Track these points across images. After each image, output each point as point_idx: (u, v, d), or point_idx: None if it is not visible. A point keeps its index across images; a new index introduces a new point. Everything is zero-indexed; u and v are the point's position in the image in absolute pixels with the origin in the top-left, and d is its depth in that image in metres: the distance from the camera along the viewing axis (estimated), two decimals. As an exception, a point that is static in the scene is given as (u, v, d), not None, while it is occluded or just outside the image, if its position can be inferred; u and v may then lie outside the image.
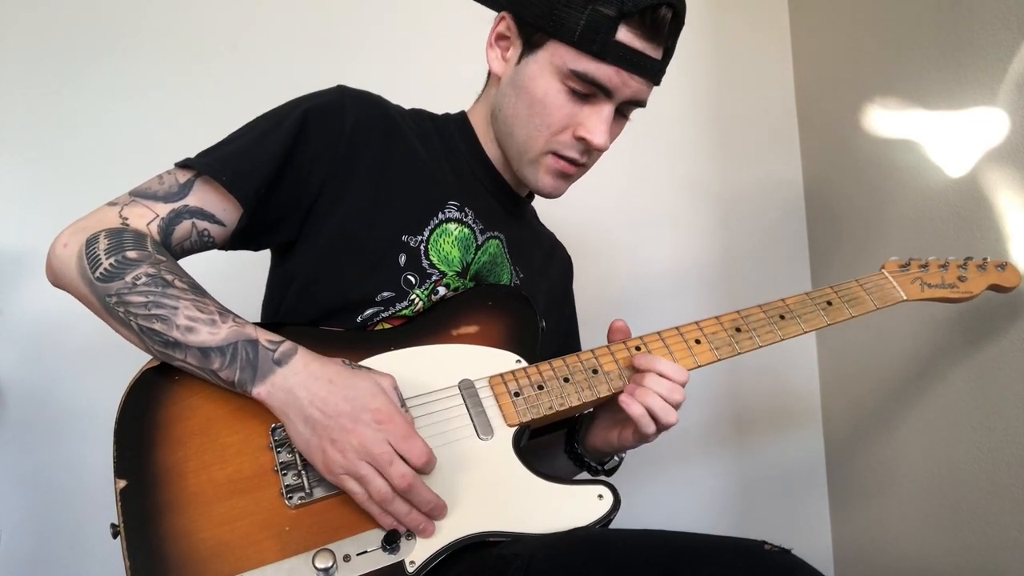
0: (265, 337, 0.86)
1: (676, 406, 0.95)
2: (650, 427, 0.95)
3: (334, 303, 1.00)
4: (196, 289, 0.89)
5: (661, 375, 0.95)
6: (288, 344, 0.86)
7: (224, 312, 0.87)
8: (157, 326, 0.84)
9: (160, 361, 0.89)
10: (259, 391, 0.84)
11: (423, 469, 0.82)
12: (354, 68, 1.75)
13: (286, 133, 0.97)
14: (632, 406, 0.94)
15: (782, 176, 1.95)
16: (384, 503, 0.81)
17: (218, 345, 0.84)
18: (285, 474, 0.84)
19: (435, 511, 0.84)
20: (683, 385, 0.96)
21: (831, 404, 1.86)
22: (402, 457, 0.81)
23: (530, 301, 1.06)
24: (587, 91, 0.98)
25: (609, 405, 1.02)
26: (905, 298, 1.13)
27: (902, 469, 1.57)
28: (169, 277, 0.87)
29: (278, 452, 0.85)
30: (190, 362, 0.85)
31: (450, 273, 1.03)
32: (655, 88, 1.03)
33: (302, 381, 0.83)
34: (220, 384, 0.86)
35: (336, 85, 1.05)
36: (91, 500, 1.55)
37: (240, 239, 1.00)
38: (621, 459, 1.13)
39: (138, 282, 0.85)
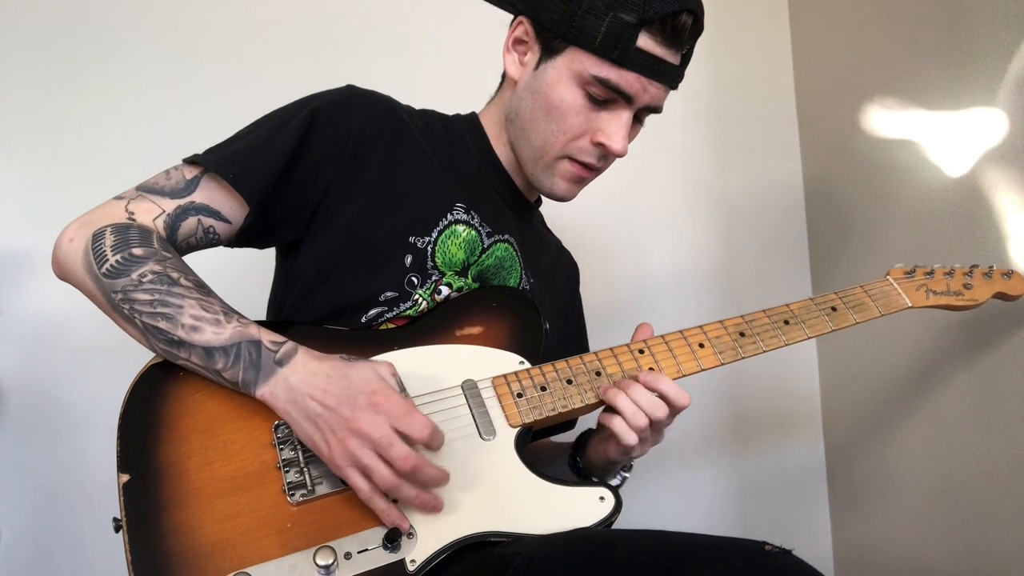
0: (268, 338, 0.86)
1: (657, 422, 0.95)
2: (630, 438, 0.94)
3: (338, 303, 1.00)
4: (201, 288, 0.89)
5: (660, 393, 0.95)
6: (289, 344, 0.86)
7: (229, 311, 0.87)
8: (162, 324, 0.85)
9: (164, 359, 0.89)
10: (263, 392, 0.84)
11: (429, 443, 0.81)
12: (357, 68, 1.75)
13: (294, 132, 0.97)
14: (612, 421, 0.94)
15: (782, 176, 1.95)
16: (392, 491, 0.80)
17: (222, 345, 0.84)
18: (287, 471, 0.84)
19: (442, 484, 0.84)
20: (680, 409, 0.96)
21: (832, 406, 1.86)
22: (404, 437, 0.80)
23: (534, 303, 1.06)
24: (607, 96, 0.98)
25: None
26: (911, 305, 1.14)
27: (902, 470, 1.57)
28: (175, 275, 0.87)
29: (281, 449, 0.86)
30: (194, 361, 0.85)
31: (449, 273, 1.03)
32: (672, 91, 1.04)
33: (302, 378, 0.83)
34: (223, 384, 0.86)
35: (345, 85, 1.05)
36: (91, 500, 1.55)
37: (245, 237, 1.00)
38: (624, 479, 1.13)
39: (144, 279, 0.85)
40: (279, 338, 0.87)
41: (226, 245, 1.01)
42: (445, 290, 1.03)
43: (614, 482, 1.11)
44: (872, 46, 1.65)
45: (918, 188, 1.51)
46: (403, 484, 0.81)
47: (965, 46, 1.37)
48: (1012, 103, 1.28)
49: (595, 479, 1.10)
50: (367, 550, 0.81)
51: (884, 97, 1.61)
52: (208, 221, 0.96)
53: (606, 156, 1.04)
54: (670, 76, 0.99)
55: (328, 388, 0.82)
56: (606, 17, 0.94)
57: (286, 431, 0.86)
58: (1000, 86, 1.30)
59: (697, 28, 0.99)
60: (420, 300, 1.01)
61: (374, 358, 0.93)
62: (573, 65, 0.98)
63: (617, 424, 0.94)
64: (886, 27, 1.60)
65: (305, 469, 0.84)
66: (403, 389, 0.87)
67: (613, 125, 1.00)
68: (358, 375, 0.83)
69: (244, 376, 0.84)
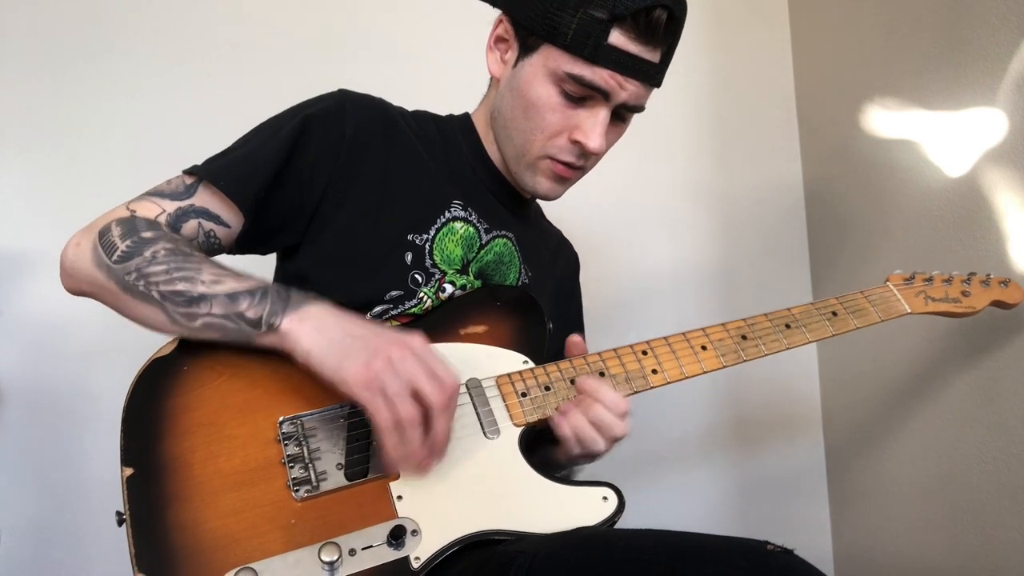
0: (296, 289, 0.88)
1: (614, 440, 0.95)
2: (575, 448, 0.94)
3: (339, 303, 1.00)
4: (215, 262, 0.90)
5: (605, 407, 0.94)
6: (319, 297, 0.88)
7: (248, 275, 0.89)
8: (180, 286, 0.85)
9: (172, 350, 0.89)
10: (289, 320, 0.84)
11: (450, 400, 0.82)
12: (356, 69, 1.75)
13: (285, 139, 0.98)
14: (562, 427, 0.94)
15: (782, 176, 1.95)
16: (408, 426, 0.80)
17: (248, 289, 0.85)
18: (292, 467, 0.84)
19: (438, 450, 0.85)
20: (621, 417, 0.94)
21: (832, 407, 1.86)
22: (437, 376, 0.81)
23: (538, 303, 1.06)
24: (582, 94, 0.98)
25: None
26: (910, 311, 1.15)
27: (902, 470, 1.57)
28: (187, 249, 0.89)
29: (285, 445, 0.85)
30: (214, 312, 0.85)
31: (450, 271, 1.04)
32: (655, 88, 1.03)
33: (332, 314, 0.85)
34: (241, 329, 0.85)
35: (338, 89, 1.05)
36: (91, 500, 1.54)
37: (245, 243, 1.01)
38: (572, 472, 1.14)
39: (158, 255, 0.87)
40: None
41: (227, 251, 1.02)
42: (449, 288, 1.03)
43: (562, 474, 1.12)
44: (872, 46, 1.65)
45: (918, 188, 1.51)
46: (418, 427, 0.81)
47: (965, 46, 1.38)
48: (1012, 103, 1.28)
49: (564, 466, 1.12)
50: (372, 547, 0.81)
51: (884, 97, 1.62)
52: (208, 225, 0.97)
53: (585, 155, 1.02)
54: (647, 74, 0.97)
55: (358, 328, 0.84)
56: (577, 13, 0.93)
57: (291, 427, 0.87)
58: (1000, 86, 1.30)
59: (674, 24, 0.96)
60: (425, 299, 1.02)
61: None
62: (548, 63, 0.97)
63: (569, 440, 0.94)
64: (886, 27, 1.60)
65: (310, 465, 0.85)
66: None
67: (589, 123, 0.99)
68: (389, 330, 0.85)
69: (271, 308, 0.84)
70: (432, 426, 0.82)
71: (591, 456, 0.97)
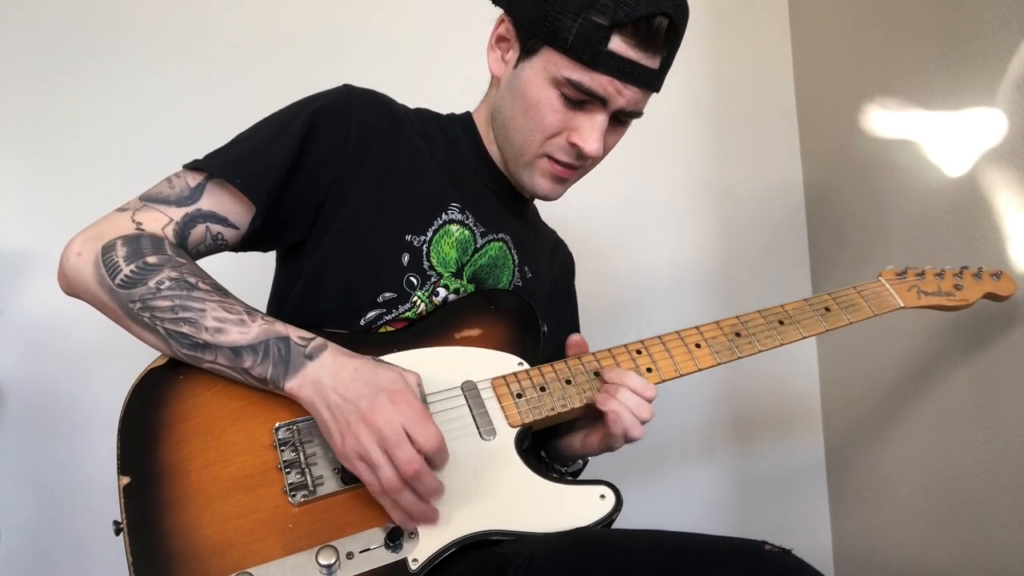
0: (296, 334, 0.87)
1: (642, 423, 0.96)
2: (618, 428, 0.95)
3: (336, 304, 1.00)
4: (220, 290, 0.90)
5: (632, 391, 0.96)
6: (319, 340, 0.88)
7: (252, 311, 0.88)
8: (185, 329, 0.85)
9: (168, 359, 0.89)
10: (291, 385, 0.85)
11: (433, 457, 0.82)
12: (355, 68, 1.75)
13: (296, 135, 0.98)
14: (609, 403, 0.95)
15: (782, 176, 1.95)
16: (393, 492, 0.81)
17: (249, 344, 0.85)
18: (289, 472, 0.84)
19: (437, 496, 0.84)
20: (650, 402, 0.96)
21: (831, 405, 1.86)
22: (412, 441, 0.80)
23: (532, 306, 1.06)
24: (580, 98, 0.98)
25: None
26: (903, 305, 1.16)
27: (902, 470, 1.57)
28: (192, 280, 0.88)
29: (281, 451, 0.86)
30: (220, 362, 0.86)
31: (446, 274, 1.04)
32: (654, 93, 1.03)
33: (330, 372, 0.84)
34: (250, 382, 0.87)
35: (342, 84, 1.05)
36: (91, 500, 1.55)
37: (252, 241, 1.00)
38: (585, 462, 1.15)
39: (162, 287, 0.86)
40: (308, 334, 0.88)
41: (232, 250, 1.02)
42: (443, 292, 1.03)
43: (577, 466, 1.15)
44: (872, 46, 1.65)
45: (918, 188, 1.51)
46: (404, 490, 0.81)
47: (965, 46, 1.37)
48: (1012, 103, 1.28)
49: (557, 466, 1.13)
50: (369, 549, 0.81)
51: (884, 97, 1.61)
52: (216, 228, 0.96)
53: (582, 157, 1.02)
54: (646, 80, 0.97)
55: (352, 383, 0.83)
56: (578, 19, 0.93)
57: (287, 433, 0.87)
58: (1000, 86, 1.30)
59: (675, 32, 0.96)
60: (418, 302, 1.02)
61: (387, 357, 0.94)
62: (547, 66, 0.97)
63: (616, 427, 0.95)
64: (886, 27, 1.60)
65: (306, 470, 0.85)
66: (424, 400, 0.87)
67: (587, 126, 0.99)
68: (385, 375, 0.84)
69: (273, 372, 0.85)
70: (415, 489, 0.82)
71: (612, 443, 0.99)
